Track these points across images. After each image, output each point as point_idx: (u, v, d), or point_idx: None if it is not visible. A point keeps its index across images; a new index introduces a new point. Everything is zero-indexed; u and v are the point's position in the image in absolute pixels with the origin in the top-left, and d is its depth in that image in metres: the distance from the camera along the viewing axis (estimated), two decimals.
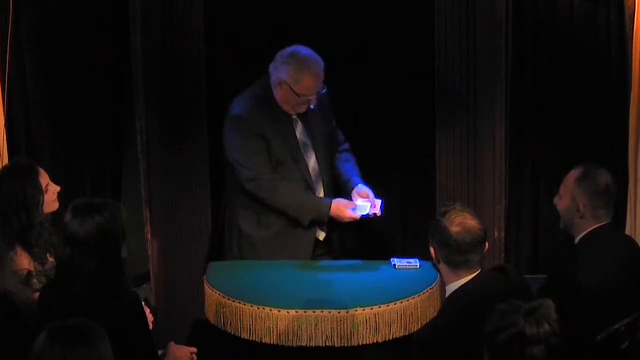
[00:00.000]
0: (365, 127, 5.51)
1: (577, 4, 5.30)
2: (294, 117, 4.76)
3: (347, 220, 4.66)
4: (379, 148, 5.59)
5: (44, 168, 4.37)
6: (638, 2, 5.10)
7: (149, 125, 5.14)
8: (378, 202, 4.69)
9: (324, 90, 4.67)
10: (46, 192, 4.28)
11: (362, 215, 4.64)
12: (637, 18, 5.12)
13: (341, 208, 4.64)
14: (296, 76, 4.59)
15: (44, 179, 4.29)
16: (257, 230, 4.80)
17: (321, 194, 4.82)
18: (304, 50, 4.65)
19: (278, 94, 4.67)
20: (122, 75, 5.42)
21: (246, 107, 4.72)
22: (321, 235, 4.82)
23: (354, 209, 4.63)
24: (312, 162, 4.80)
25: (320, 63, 4.62)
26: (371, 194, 4.71)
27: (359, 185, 4.78)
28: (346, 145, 4.99)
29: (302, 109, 4.71)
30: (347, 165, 4.91)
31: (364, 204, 4.67)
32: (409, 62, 5.45)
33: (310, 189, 4.78)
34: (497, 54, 5.03)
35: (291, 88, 4.60)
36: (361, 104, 5.52)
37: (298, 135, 4.78)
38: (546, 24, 5.38)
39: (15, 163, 4.46)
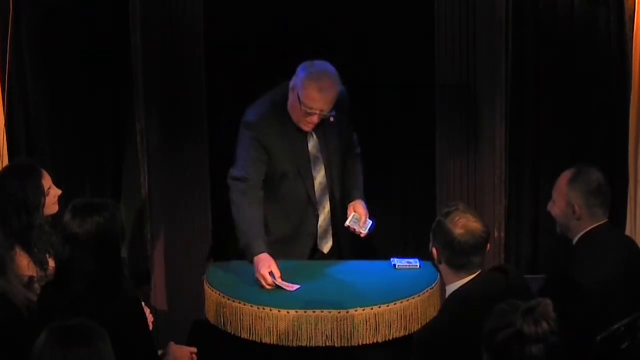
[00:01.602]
0: (365, 127, 5.50)
1: (577, 4, 5.30)
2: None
3: (257, 275, 4.41)
4: (379, 148, 5.58)
5: (45, 169, 4.36)
6: (638, 2, 5.10)
7: (149, 126, 5.14)
8: (369, 222, 4.66)
9: (333, 114, 4.56)
10: (47, 194, 4.27)
11: (352, 226, 4.63)
12: (637, 18, 5.12)
13: (262, 262, 4.41)
14: (304, 82, 4.50)
15: (47, 181, 4.29)
16: None
17: (326, 209, 4.77)
18: (327, 65, 4.56)
19: (290, 99, 4.58)
20: (122, 75, 5.42)
21: (259, 114, 4.65)
22: (326, 248, 4.81)
23: (272, 274, 4.38)
24: (320, 176, 4.75)
25: (331, 82, 4.51)
26: (365, 215, 4.66)
27: (358, 201, 4.73)
28: (357, 150, 4.92)
29: (306, 126, 4.61)
30: (354, 176, 4.85)
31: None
32: (409, 62, 5.45)
33: (312, 204, 4.73)
34: (497, 54, 5.03)
35: (298, 93, 4.52)
36: (361, 104, 5.51)
37: (310, 149, 4.71)
38: (546, 24, 5.37)
39: (19, 163, 4.46)
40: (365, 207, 4.71)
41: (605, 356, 3.80)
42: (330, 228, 4.81)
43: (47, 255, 4.23)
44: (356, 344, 4.16)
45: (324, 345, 4.14)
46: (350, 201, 4.75)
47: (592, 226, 4.12)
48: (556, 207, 4.19)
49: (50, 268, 4.16)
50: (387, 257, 4.69)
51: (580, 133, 5.49)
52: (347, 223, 4.66)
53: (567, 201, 4.13)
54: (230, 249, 4.93)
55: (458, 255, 3.64)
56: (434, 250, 3.73)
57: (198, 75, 5.16)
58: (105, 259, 3.61)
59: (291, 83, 4.57)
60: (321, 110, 4.53)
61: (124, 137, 5.61)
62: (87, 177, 5.60)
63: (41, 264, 4.19)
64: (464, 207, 3.75)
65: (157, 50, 5.10)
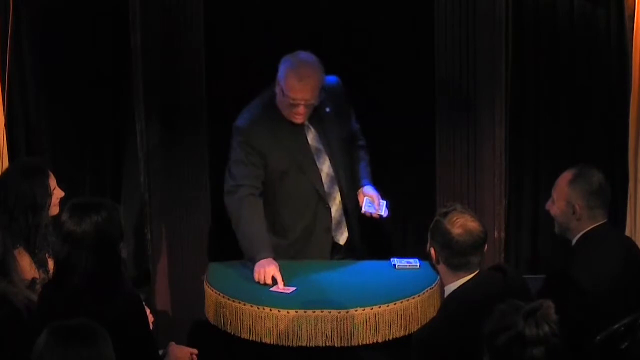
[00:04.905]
0: (365, 127, 5.50)
1: (577, 4, 5.30)
2: (306, 123, 4.66)
3: (265, 273, 4.38)
4: (379, 148, 5.57)
5: (51, 170, 4.36)
6: (638, 2, 5.10)
7: (149, 126, 5.14)
8: (382, 203, 4.68)
9: (322, 99, 4.57)
10: (52, 195, 4.27)
11: (368, 211, 4.64)
12: (637, 18, 5.12)
13: (263, 264, 4.41)
14: (285, 72, 4.49)
15: (52, 181, 4.29)
16: (272, 238, 4.66)
17: (337, 200, 4.75)
18: (307, 55, 4.56)
19: (277, 93, 4.57)
20: (122, 76, 5.42)
21: (250, 118, 4.64)
22: (342, 240, 4.79)
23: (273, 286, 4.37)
24: (325, 167, 4.72)
25: (311, 71, 4.49)
26: (377, 197, 4.69)
27: (367, 187, 4.74)
28: (361, 142, 4.93)
29: (296, 118, 4.57)
30: (360, 165, 4.86)
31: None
32: (409, 61, 5.45)
33: (321, 198, 4.70)
34: (497, 54, 5.03)
35: (281, 85, 4.51)
36: (361, 103, 5.51)
37: (310, 142, 4.69)
38: (546, 24, 5.38)
39: (27, 162, 4.46)
40: (374, 189, 4.72)
41: (605, 356, 3.81)
42: (343, 219, 4.79)
43: (46, 255, 4.23)
44: (356, 344, 4.16)
45: (324, 345, 4.14)
46: (358, 189, 4.75)
47: (591, 226, 4.12)
48: (556, 207, 4.20)
49: (51, 269, 4.16)
50: (387, 257, 4.69)
51: (580, 133, 5.49)
52: (363, 209, 4.66)
53: (567, 201, 4.13)
54: (231, 249, 4.93)
55: (457, 255, 3.65)
56: (432, 251, 3.74)
57: (198, 76, 5.15)
58: (103, 258, 3.60)
59: (277, 79, 4.56)
60: (306, 101, 4.50)
61: (124, 137, 5.61)
62: (87, 177, 5.61)
63: (42, 265, 4.19)
64: (462, 207, 3.77)
65: (157, 51, 5.09)
